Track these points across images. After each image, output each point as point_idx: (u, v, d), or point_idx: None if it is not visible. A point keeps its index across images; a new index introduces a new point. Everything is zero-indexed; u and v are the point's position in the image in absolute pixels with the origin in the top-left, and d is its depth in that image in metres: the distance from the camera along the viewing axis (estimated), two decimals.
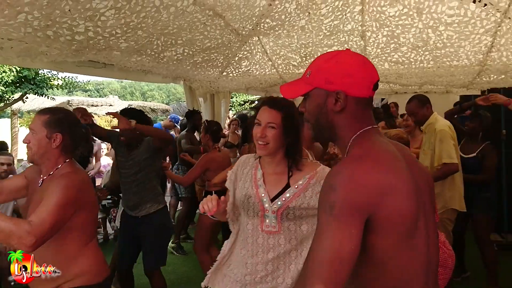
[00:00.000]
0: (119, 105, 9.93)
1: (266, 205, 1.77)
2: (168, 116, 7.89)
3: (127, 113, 3.45)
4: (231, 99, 9.26)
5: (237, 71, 4.89)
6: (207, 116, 5.60)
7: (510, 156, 3.98)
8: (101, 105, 9.65)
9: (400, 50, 3.82)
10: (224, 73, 4.90)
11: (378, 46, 3.88)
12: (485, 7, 2.76)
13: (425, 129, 3.58)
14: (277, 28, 3.79)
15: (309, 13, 3.59)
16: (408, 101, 3.66)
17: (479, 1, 2.73)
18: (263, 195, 1.79)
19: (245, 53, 4.52)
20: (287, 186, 1.79)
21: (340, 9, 3.51)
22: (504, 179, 4.92)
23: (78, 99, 10.48)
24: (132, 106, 11.26)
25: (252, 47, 4.48)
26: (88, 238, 1.92)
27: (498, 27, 2.95)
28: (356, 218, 1.00)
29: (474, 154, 3.78)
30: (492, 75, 3.84)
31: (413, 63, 3.98)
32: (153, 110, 10.57)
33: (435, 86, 4.54)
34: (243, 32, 3.75)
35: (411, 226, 1.06)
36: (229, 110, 8.99)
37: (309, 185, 1.77)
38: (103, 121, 7.90)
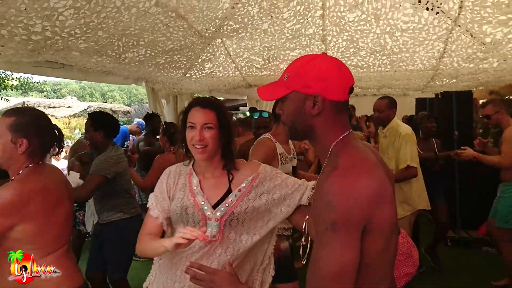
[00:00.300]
0: (78, 106, 9.58)
1: (208, 213, 1.65)
2: (135, 121, 7.66)
3: (95, 118, 3.36)
4: None
5: (200, 72, 4.88)
6: (171, 118, 5.54)
7: None
8: (59, 107, 9.27)
9: (359, 54, 3.94)
10: (187, 75, 4.87)
11: (339, 50, 3.99)
12: (437, 15, 2.91)
13: (386, 133, 3.70)
14: (240, 31, 3.82)
15: (271, 16, 3.64)
16: (379, 98, 3.81)
17: (431, 9, 2.87)
18: (202, 203, 1.66)
19: (208, 55, 4.52)
20: (229, 190, 1.68)
21: (302, 13, 3.58)
22: (457, 179, 5.19)
23: (34, 100, 9.97)
24: (92, 108, 10.94)
25: (216, 49, 4.49)
26: (44, 251, 1.78)
27: (449, 34, 3.12)
28: (356, 230, 1.05)
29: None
30: (444, 79, 4.04)
31: (371, 67, 4.12)
32: (114, 112, 10.26)
33: (393, 89, 4.71)
34: (206, 34, 3.75)
35: (393, 228, 1.14)
36: None
37: (252, 187, 1.68)
38: (61, 123, 7.57)
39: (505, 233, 3.66)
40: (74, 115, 9.19)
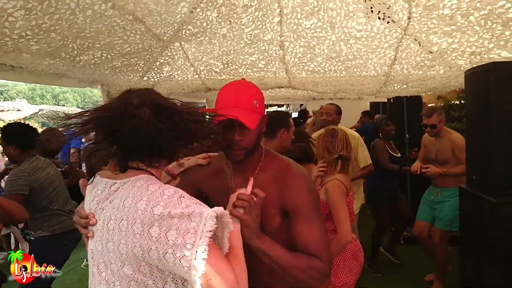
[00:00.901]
0: (28, 110, 9.05)
1: None
2: None
3: (6, 132, 3.16)
4: None
5: (158, 76, 4.82)
6: None
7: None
8: (7, 110, 8.72)
9: (316, 60, 4.05)
10: (145, 78, 4.80)
11: (296, 55, 4.08)
12: (388, 24, 3.05)
13: None
14: (199, 35, 3.82)
15: (230, 21, 3.67)
16: (329, 103, 4.08)
17: (383, 19, 3.01)
18: None
19: (167, 58, 4.48)
20: None
21: (260, 19, 3.64)
22: (408, 179, 5.45)
23: None
24: (44, 111, 10.41)
25: (174, 53, 4.46)
26: None
27: (399, 42, 3.28)
28: None
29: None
30: (395, 85, 4.23)
31: (327, 73, 4.25)
32: (67, 115, 9.78)
33: (348, 93, 4.87)
34: (165, 38, 3.72)
35: None
36: None
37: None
38: None
39: (445, 235, 3.91)
40: (25, 119, 8.73)
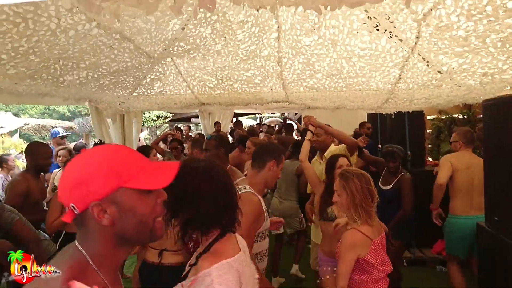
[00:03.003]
0: (12, 123, 8.62)
1: None
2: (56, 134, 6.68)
3: None
4: (143, 114, 8.76)
5: (149, 91, 4.59)
6: (118, 139, 5.18)
7: (416, 175, 4.23)
8: None
9: (315, 77, 3.85)
10: (135, 94, 4.57)
11: (294, 72, 3.88)
12: (395, 43, 2.86)
13: (327, 156, 3.62)
14: (191, 51, 3.60)
15: (225, 38, 3.45)
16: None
17: (389, 38, 2.81)
18: None
19: (158, 74, 4.25)
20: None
21: (257, 35, 3.43)
22: None
23: None
24: (29, 125, 10.02)
25: (165, 68, 4.23)
26: None
27: (406, 61, 3.08)
28: None
29: (391, 186, 3.93)
30: (398, 102, 4.04)
31: (327, 89, 4.05)
32: (53, 128, 9.40)
33: (347, 108, 4.67)
34: (155, 55, 3.49)
35: None
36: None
37: None
38: None
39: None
40: (9, 133, 8.37)
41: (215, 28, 3.26)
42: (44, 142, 7.61)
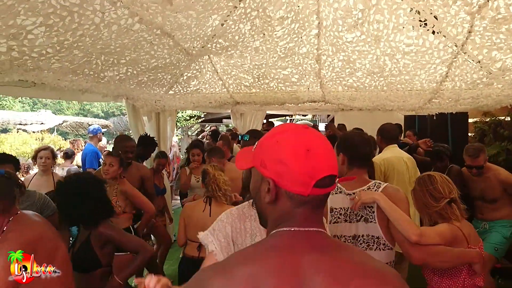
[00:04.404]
0: (52, 121, 8.91)
1: None
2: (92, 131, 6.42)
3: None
4: (176, 114, 8.82)
5: (185, 90, 4.60)
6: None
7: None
8: (31, 124, 8.54)
9: (355, 75, 3.74)
10: (171, 92, 4.58)
11: (333, 70, 3.78)
12: (445, 37, 2.72)
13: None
14: (230, 49, 3.57)
15: (264, 34, 3.41)
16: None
17: (439, 33, 2.68)
18: None
19: (194, 71, 4.25)
20: None
21: (296, 31, 3.36)
22: None
23: (2, 118, 9.00)
24: (68, 122, 10.35)
25: (202, 66, 4.22)
26: None
27: (454, 58, 2.93)
28: None
29: None
30: (443, 102, 3.86)
31: (367, 88, 3.92)
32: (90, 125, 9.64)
33: (386, 108, 4.52)
34: (194, 52, 3.48)
35: None
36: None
37: None
38: (34, 139, 7.00)
39: (488, 261, 3.54)
40: (48, 130, 8.65)
41: (254, 24, 3.22)
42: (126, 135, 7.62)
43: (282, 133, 0.96)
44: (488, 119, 5.15)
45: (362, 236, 2.00)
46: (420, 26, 2.69)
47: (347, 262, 0.89)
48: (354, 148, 2.10)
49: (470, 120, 5.97)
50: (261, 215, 1.03)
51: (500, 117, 4.94)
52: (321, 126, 13.68)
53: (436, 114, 4.65)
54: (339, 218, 2.03)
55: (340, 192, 2.08)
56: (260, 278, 0.84)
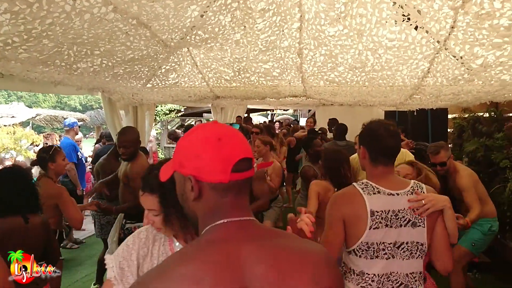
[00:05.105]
0: (24, 114, 8.54)
1: None
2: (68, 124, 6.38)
3: None
4: (155, 107, 8.68)
5: (163, 83, 4.46)
6: None
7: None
8: (1, 117, 8.17)
9: (337, 70, 3.69)
10: (149, 85, 4.45)
11: (315, 64, 3.72)
12: (427, 33, 2.69)
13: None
14: (209, 41, 3.47)
15: (244, 27, 3.32)
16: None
17: (422, 28, 2.64)
18: None
19: (173, 64, 4.12)
20: None
21: (278, 24, 3.28)
22: None
23: None
24: (41, 116, 9.98)
25: (181, 59, 4.10)
26: None
27: (436, 53, 2.91)
28: None
29: None
30: (423, 98, 3.86)
31: (349, 83, 3.88)
32: (65, 119, 9.30)
33: (367, 104, 4.51)
34: (172, 44, 3.36)
35: None
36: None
37: None
38: (5, 133, 6.69)
39: (464, 256, 3.70)
40: (21, 124, 8.32)
41: (235, 16, 3.12)
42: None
43: (192, 132, 1.01)
44: (467, 115, 5.21)
45: (407, 243, 1.80)
46: (403, 21, 2.65)
47: (284, 250, 0.93)
48: (377, 141, 1.86)
49: (450, 116, 6.03)
50: (191, 216, 1.03)
51: (478, 113, 4.99)
52: (302, 121, 13.68)
53: (416, 110, 4.66)
54: (380, 223, 1.78)
55: (379, 192, 1.83)
56: (200, 275, 0.85)
